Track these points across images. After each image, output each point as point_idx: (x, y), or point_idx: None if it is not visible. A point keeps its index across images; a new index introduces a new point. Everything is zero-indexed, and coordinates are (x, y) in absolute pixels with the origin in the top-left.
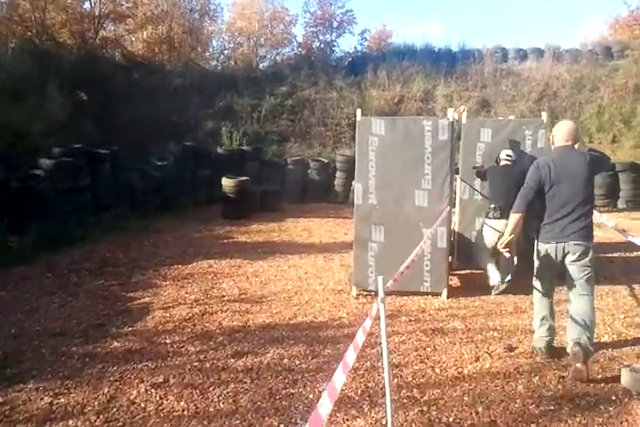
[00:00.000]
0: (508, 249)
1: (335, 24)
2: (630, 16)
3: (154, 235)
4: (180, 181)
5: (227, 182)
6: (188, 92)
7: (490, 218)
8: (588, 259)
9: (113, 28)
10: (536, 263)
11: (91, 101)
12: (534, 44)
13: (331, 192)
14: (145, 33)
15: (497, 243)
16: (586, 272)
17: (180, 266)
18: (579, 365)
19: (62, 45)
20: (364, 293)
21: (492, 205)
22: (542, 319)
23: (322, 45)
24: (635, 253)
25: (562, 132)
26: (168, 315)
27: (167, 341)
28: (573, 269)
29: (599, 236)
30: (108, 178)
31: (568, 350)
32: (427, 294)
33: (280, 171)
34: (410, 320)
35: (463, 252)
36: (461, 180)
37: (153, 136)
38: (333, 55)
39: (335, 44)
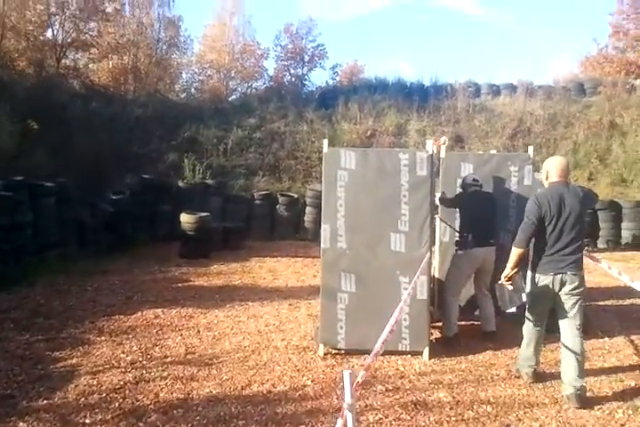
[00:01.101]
0: (510, 282)
1: (307, 58)
2: (600, 54)
3: (99, 278)
4: (137, 216)
5: (186, 218)
6: (150, 123)
7: (466, 248)
8: (582, 289)
9: (77, 56)
10: (530, 295)
11: (44, 131)
12: (506, 79)
13: (300, 229)
14: (110, 62)
15: (477, 276)
16: (579, 302)
17: (121, 316)
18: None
19: (19, 73)
20: (333, 351)
21: (466, 234)
22: (534, 351)
23: (293, 79)
24: (627, 301)
25: (556, 169)
26: (95, 382)
27: (87, 420)
28: (567, 300)
29: (587, 280)
30: (53, 213)
31: (563, 392)
32: (405, 353)
33: (246, 206)
34: (387, 390)
35: None
36: (441, 220)
37: (110, 168)
38: (305, 88)
39: (306, 77)
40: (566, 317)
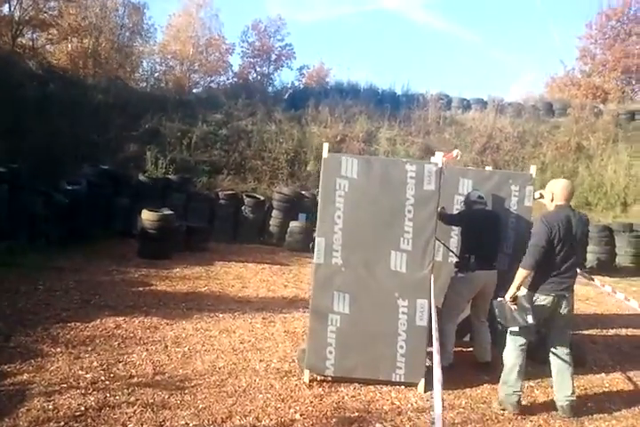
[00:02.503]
0: (514, 302)
1: (273, 57)
2: (566, 76)
3: (52, 276)
4: (93, 209)
5: (147, 216)
6: (110, 111)
7: (467, 271)
8: (572, 309)
9: (35, 35)
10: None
11: None
12: (476, 94)
13: (265, 232)
14: (70, 45)
15: (475, 302)
16: (569, 322)
17: (77, 324)
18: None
19: None
20: (320, 377)
21: (467, 255)
22: (518, 374)
23: (259, 77)
24: (611, 331)
25: (562, 191)
26: (51, 406)
27: None
28: (560, 319)
29: None
30: (3, 201)
31: (558, 403)
32: (399, 384)
33: (209, 205)
34: None
35: None
36: (435, 238)
37: (67, 156)
38: (272, 87)
39: (273, 76)
40: (557, 337)
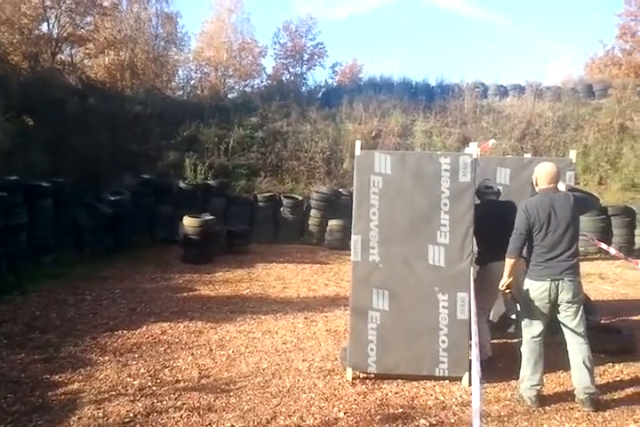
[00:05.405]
0: (509, 290)
1: (306, 57)
2: (607, 56)
3: (99, 285)
4: (137, 218)
5: (189, 222)
6: (149, 121)
7: (484, 263)
8: (580, 296)
9: (73, 51)
10: (524, 304)
11: (40, 128)
12: (513, 80)
13: (305, 232)
14: (107, 58)
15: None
16: (580, 310)
17: (124, 332)
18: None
19: (13, 67)
20: (362, 375)
21: (481, 248)
22: (534, 367)
23: (292, 77)
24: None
25: (545, 175)
26: (101, 414)
27: None
28: (568, 309)
29: (609, 290)
30: (49, 215)
31: (578, 397)
32: (442, 378)
33: (249, 208)
34: (431, 425)
35: None
36: None
37: (108, 167)
38: (305, 87)
39: (306, 76)
40: (569, 326)
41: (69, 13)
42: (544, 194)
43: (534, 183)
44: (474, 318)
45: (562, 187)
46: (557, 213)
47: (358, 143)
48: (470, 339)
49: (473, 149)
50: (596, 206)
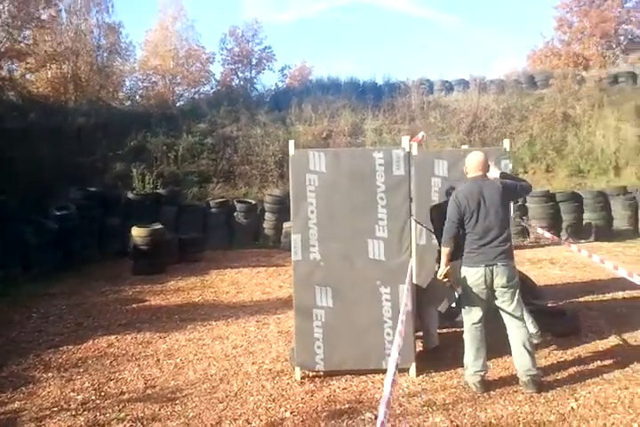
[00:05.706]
0: (448, 279)
1: (254, 61)
2: (547, 47)
3: (46, 302)
4: (85, 232)
5: (137, 232)
6: (94, 133)
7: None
8: (515, 280)
9: (12, 66)
10: (463, 293)
11: None
12: (458, 76)
13: (260, 236)
14: (49, 72)
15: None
16: (516, 294)
17: (70, 347)
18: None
19: None
20: (312, 373)
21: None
22: (477, 353)
23: (241, 82)
24: (608, 295)
25: (474, 164)
26: None
27: None
28: (504, 294)
29: (558, 274)
30: None
31: (521, 379)
32: None
33: (202, 215)
34: (376, 418)
35: None
36: (416, 222)
37: (53, 182)
38: (255, 91)
39: (255, 80)
40: (506, 310)
41: (5, 28)
42: (473, 181)
43: (465, 172)
44: (402, 309)
45: (495, 174)
46: (486, 200)
47: (292, 143)
48: (416, 331)
49: (405, 142)
50: (528, 192)
